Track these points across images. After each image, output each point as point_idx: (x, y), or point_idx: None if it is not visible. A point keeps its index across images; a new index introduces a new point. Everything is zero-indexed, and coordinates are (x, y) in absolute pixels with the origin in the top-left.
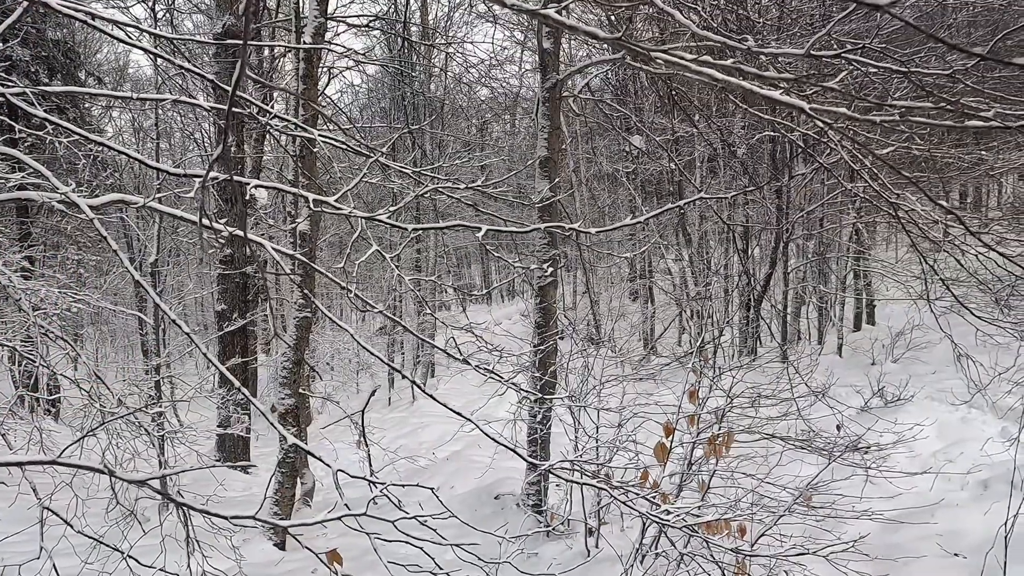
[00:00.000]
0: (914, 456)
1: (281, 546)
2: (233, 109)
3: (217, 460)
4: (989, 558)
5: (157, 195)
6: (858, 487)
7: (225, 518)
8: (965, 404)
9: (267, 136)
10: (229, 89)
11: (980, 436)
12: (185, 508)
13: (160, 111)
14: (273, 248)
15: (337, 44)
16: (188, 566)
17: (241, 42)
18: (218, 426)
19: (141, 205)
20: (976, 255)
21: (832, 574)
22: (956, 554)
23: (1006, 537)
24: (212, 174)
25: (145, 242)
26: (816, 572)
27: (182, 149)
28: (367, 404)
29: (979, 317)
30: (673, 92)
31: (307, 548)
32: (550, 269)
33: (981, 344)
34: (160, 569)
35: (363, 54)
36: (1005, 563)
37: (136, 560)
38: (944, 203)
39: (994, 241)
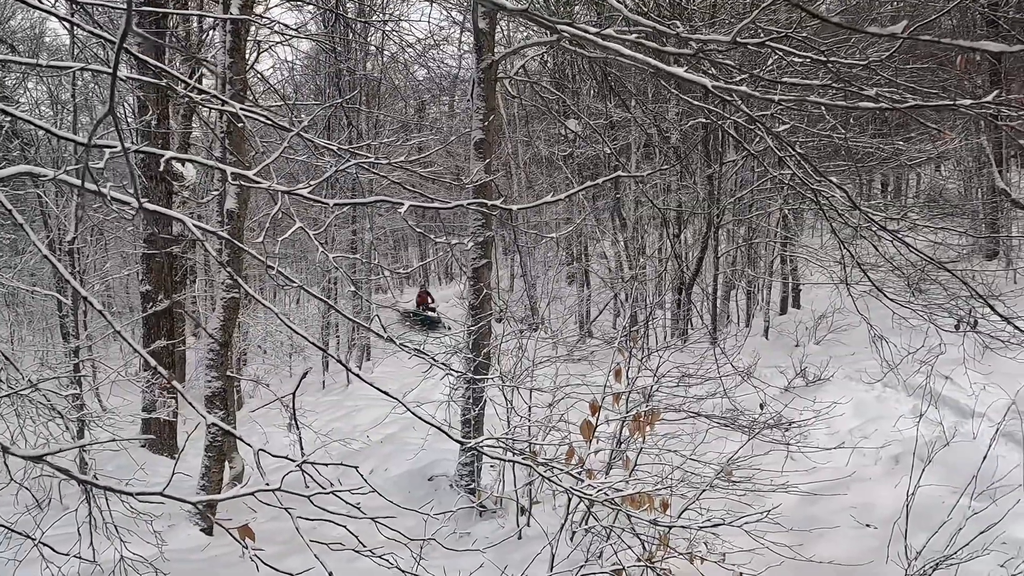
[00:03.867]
0: (832, 433)
1: (208, 531)
2: (152, 80)
3: (142, 445)
4: (896, 528)
5: (72, 167)
6: (779, 462)
7: (130, 494)
8: (879, 383)
9: (195, 112)
10: (147, 59)
11: (893, 414)
12: (87, 485)
13: (79, 82)
14: (194, 224)
15: (267, 17)
16: (91, 545)
17: (160, 9)
18: (143, 410)
19: (51, 178)
20: (891, 242)
21: (751, 545)
22: (868, 525)
23: (907, 506)
24: (127, 146)
25: (63, 219)
26: (737, 544)
27: (105, 124)
28: (298, 386)
29: (892, 300)
30: (609, 77)
31: (218, 523)
32: (479, 240)
33: (896, 326)
34: (75, 556)
35: (296, 29)
36: (906, 531)
37: (51, 548)
38: (844, 188)
39: (907, 227)
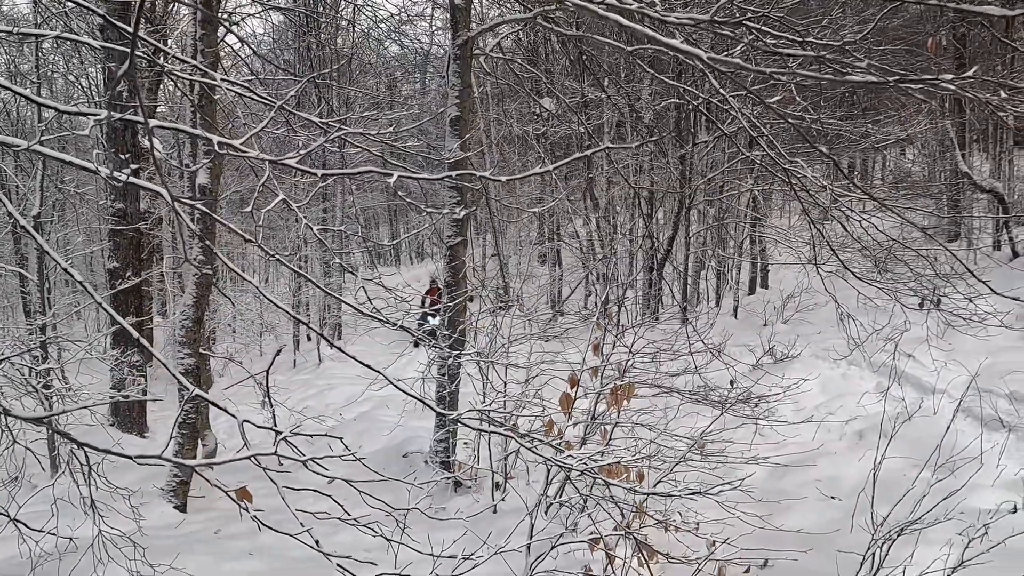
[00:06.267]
0: (799, 409)
1: (182, 508)
2: (125, 50)
3: (111, 425)
4: (861, 499)
5: (40, 139)
6: (748, 437)
7: (129, 457)
8: (844, 359)
9: (161, 86)
10: (121, 26)
11: (858, 390)
12: (85, 448)
13: (40, 53)
14: (172, 197)
15: None
16: (92, 505)
17: None
18: (112, 388)
19: (25, 148)
20: (860, 221)
21: (723, 516)
22: (833, 497)
23: (874, 476)
24: (105, 113)
25: (27, 194)
26: (709, 515)
27: (65, 97)
28: (272, 363)
29: (859, 278)
30: (583, 56)
31: (216, 485)
32: (463, 214)
33: (862, 306)
34: (50, 532)
35: (266, 2)
36: (873, 498)
37: (25, 524)
38: (832, 157)
39: (876, 207)
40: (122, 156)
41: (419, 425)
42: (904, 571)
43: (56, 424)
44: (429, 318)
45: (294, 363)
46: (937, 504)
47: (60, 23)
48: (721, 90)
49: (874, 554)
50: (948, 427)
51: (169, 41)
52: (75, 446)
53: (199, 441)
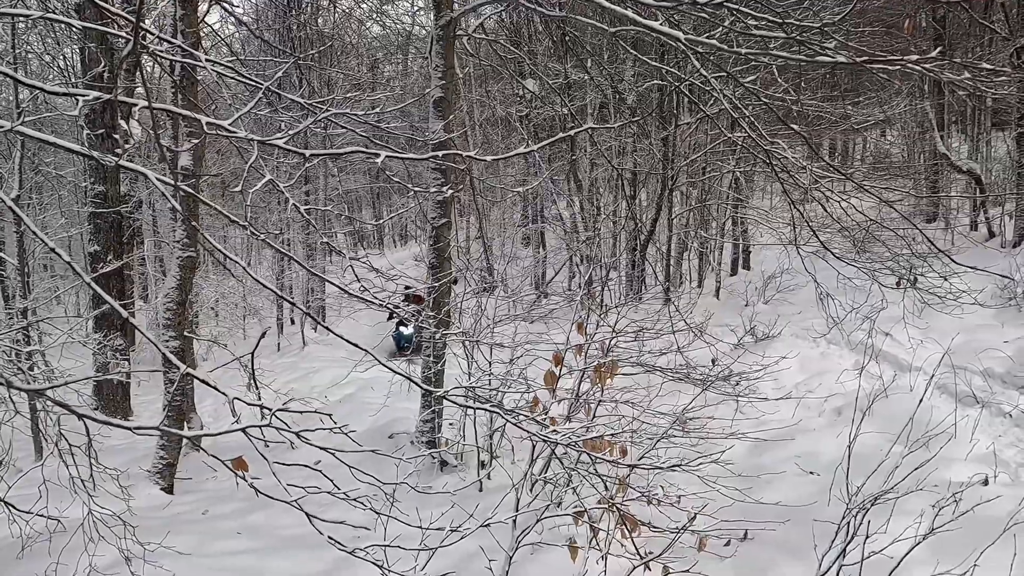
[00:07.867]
0: (779, 387)
1: (169, 490)
2: (107, 31)
3: (95, 409)
4: (838, 473)
5: (22, 120)
6: (729, 414)
7: (128, 428)
8: (823, 338)
9: (139, 68)
10: (103, 6)
11: (837, 368)
12: (85, 419)
13: (15, 33)
14: (157, 178)
15: None
16: (91, 478)
17: None
18: (96, 371)
19: (8, 129)
20: (839, 202)
21: (704, 490)
22: (811, 472)
23: (849, 449)
24: (95, 94)
25: (5, 176)
26: (690, 490)
27: (40, 78)
28: (257, 346)
29: (839, 258)
30: (566, 37)
31: (214, 456)
32: (449, 193)
33: (841, 286)
34: (37, 514)
35: None
36: (848, 471)
37: (13, 506)
38: (805, 135)
39: (854, 188)
40: (115, 137)
41: (404, 406)
42: (865, 539)
43: (54, 396)
44: (402, 328)
45: (278, 346)
46: (908, 475)
47: (36, 1)
48: (703, 71)
49: (849, 523)
50: (920, 402)
51: (147, 20)
52: (75, 418)
53: (185, 424)
